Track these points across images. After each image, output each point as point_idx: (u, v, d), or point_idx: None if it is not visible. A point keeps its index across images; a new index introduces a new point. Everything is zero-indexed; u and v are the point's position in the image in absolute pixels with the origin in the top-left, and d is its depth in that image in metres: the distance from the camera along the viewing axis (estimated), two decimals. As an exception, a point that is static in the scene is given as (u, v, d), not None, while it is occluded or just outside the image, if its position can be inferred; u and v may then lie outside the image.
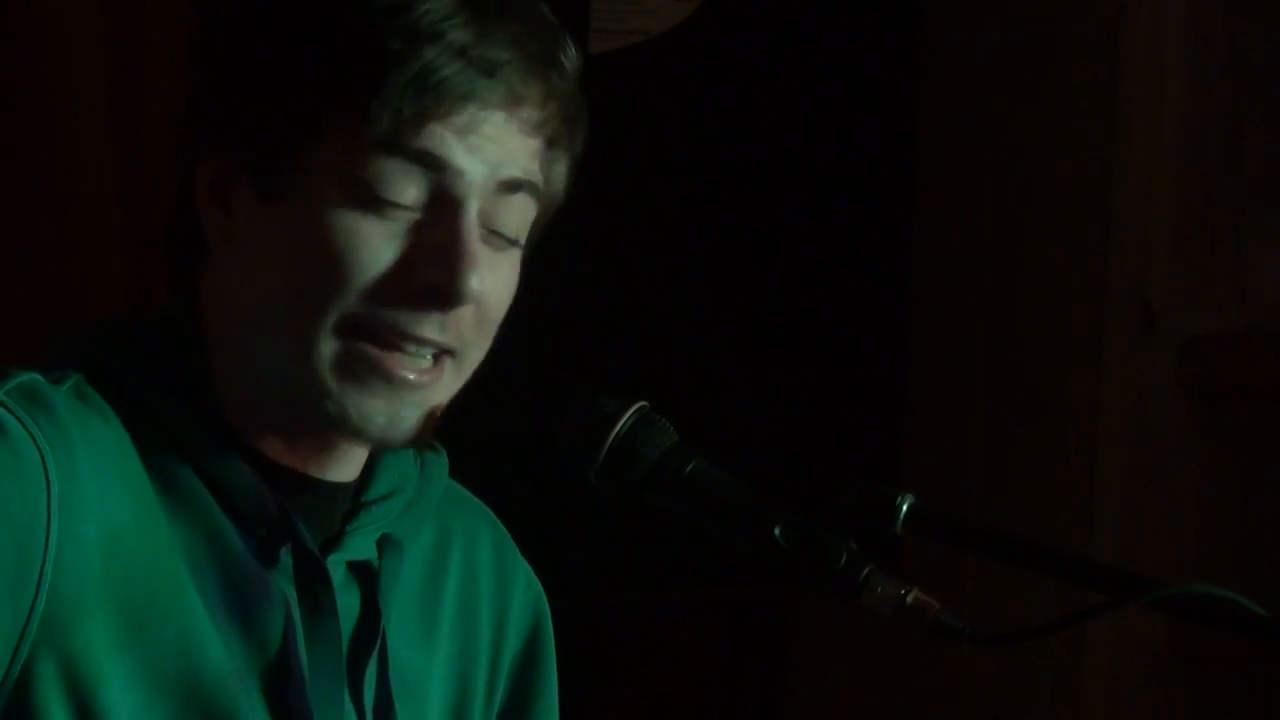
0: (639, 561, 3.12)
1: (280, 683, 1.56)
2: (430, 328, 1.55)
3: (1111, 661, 3.27)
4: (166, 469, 1.55)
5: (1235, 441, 3.30)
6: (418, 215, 1.54)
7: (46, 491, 1.47)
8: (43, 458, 1.47)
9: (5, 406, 1.48)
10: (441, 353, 1.57)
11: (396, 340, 1.55)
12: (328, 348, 1.54)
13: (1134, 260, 3.26)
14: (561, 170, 1.61)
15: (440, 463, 1.70)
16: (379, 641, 1.62)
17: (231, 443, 1.57)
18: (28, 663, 1.46)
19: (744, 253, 3.20)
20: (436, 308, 1.54)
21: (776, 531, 1.54)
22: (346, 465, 1.63)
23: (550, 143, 1.59)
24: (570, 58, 1.59)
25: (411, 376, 1.55)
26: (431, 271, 1.53)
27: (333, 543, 1.61)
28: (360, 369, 1.54)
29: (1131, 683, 3.28)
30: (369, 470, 1.65)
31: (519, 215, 1.58)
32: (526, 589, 1.77)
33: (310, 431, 1.59)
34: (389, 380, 1.54)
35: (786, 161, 3.22)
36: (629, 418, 1.58)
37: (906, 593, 1.51)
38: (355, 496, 1.64)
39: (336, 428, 1.57)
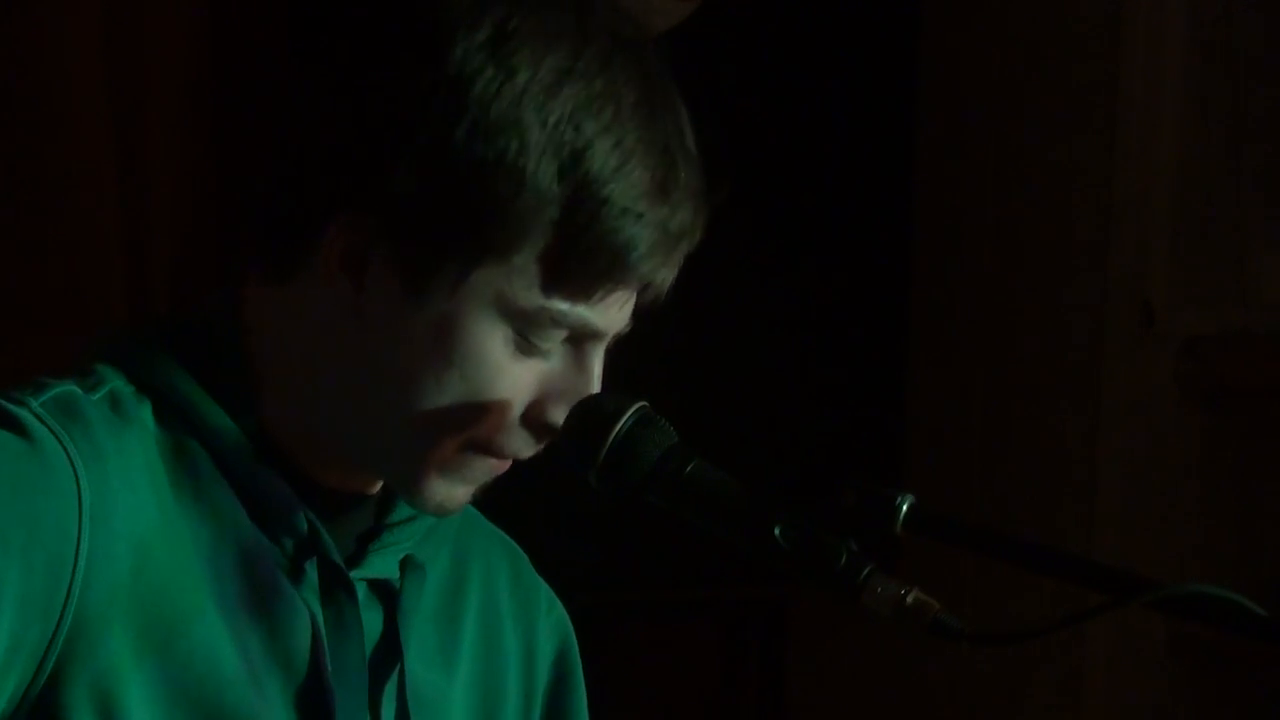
0: (639, 561, 3.12)
1: (308, 697, 1.56)
2: (534, 448, 1.59)
3: (1111, 661, 3.27)
4: (199, 477, 1.55)
5: (1235, 441, 3.30)
6: (552, 354, 1.57)
7: (78, 507, 1.46)
8: (75, 472, 1.47)
9: (41, 420, 1.48)
10: None
11: (502, 455, 1.59)
12: (442, 455, 1.56)
13: (1134, 260, 3.26)
14: None
15: None
16: (399, 660, 1.62)
17: (266, 455, 1.57)
18: (54, 675, 1.46)
19: (744, 252, 3.20)
20: (552, 438, 1.58)
21: (776, 531, 1.54)
22: (375, 481, 1.64)
23: None
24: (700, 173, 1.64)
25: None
26: (557, 413, 1.57)
27: (355, 559, 1.62)
28: (466, 472, 1.58)
29: (1131, 683, 3.28)
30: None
31: None
32: (549, 611, 1.79)
33: (356, 463, 1.61)
34: (487, 477, 1.60)
35: (787, 160, 3.22)
36: (629, 418, 1.57)
37: (906, 593, 1.51)
38: (379, 512, 1.64)
39: (403, 495, 1.62)
